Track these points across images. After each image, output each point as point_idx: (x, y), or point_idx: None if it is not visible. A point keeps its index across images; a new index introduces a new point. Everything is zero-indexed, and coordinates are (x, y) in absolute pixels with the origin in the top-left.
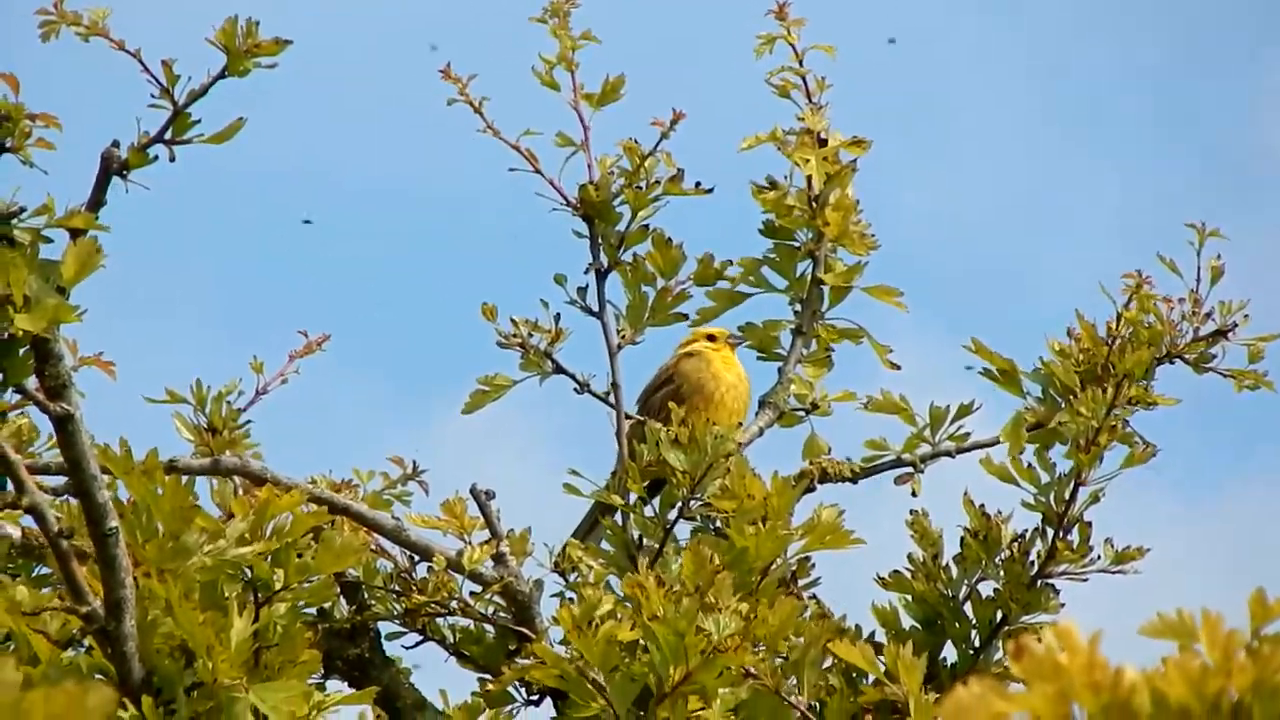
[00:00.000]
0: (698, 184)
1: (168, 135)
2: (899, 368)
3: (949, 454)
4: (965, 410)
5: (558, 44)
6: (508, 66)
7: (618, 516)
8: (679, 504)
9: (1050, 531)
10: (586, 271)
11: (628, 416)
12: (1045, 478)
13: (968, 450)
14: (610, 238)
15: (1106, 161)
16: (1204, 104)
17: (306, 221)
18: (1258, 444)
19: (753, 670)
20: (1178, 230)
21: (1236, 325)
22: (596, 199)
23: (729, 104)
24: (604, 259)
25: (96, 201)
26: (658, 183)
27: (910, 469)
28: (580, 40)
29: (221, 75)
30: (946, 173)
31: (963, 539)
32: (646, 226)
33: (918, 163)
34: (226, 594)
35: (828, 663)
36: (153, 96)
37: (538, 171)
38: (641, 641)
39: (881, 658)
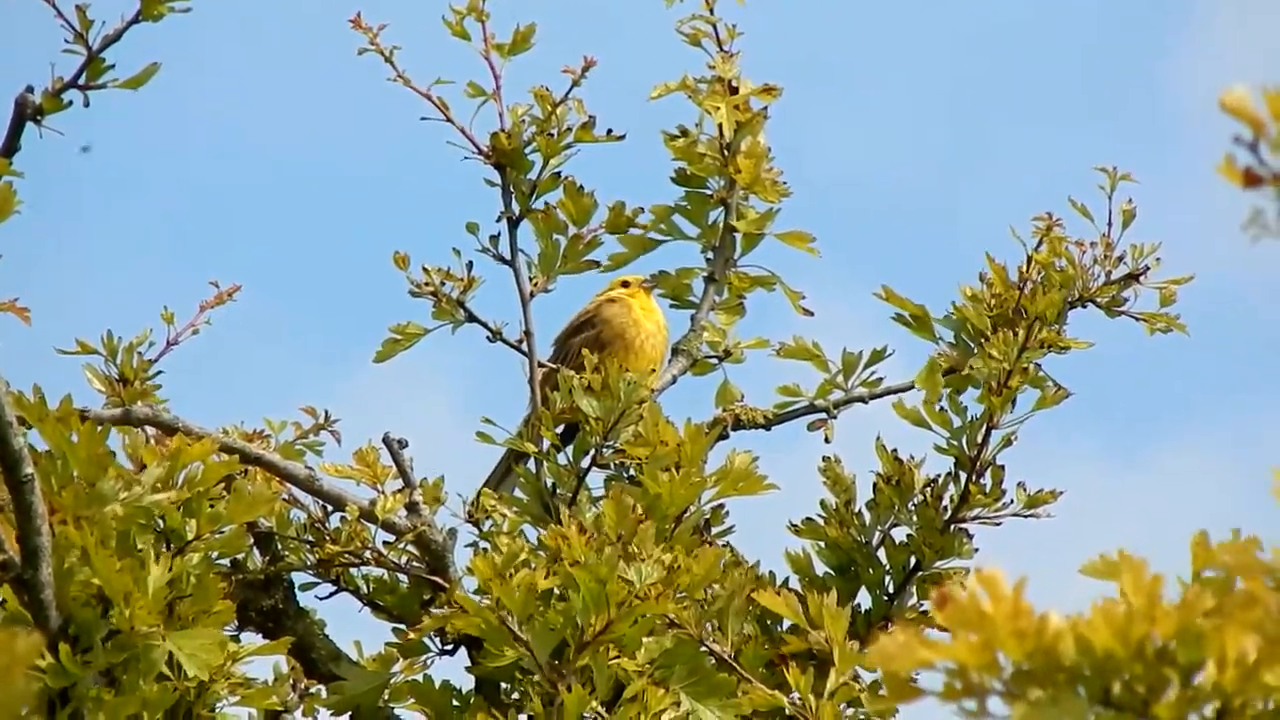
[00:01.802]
0: (609, 131)
1: (82, 80)
2: (811, 314)
3: (862, 400)
4: (878, 356)
5: None
6: (418, 18)
7: (530, 464)
8: (592, 451)
9: (963, 476)
10: (499, 220)
11: (541, 364)
12: (958, 422)
13: (880, 396)
14: (522, 186)
15: (1026, 107)
16: (1125, 53)
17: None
18: (1195, 397)
19: (674, 619)
20: (1095, 177)
21: (1149, 269)
22: (508, 147)
23: (640, 53)
24: (516, 207)
25: (10, 147)
26: (569, 130)
27: (824, 415)
28: None
29: (135, 20)
30: (863, 119)
31: (875, 484)
32: (558, 174)
33: (835, 110)
34: (139, 545)
35: None
36: (67, 42)
37: (449, 120)
38: (558, 590)
39: (803, 606)
